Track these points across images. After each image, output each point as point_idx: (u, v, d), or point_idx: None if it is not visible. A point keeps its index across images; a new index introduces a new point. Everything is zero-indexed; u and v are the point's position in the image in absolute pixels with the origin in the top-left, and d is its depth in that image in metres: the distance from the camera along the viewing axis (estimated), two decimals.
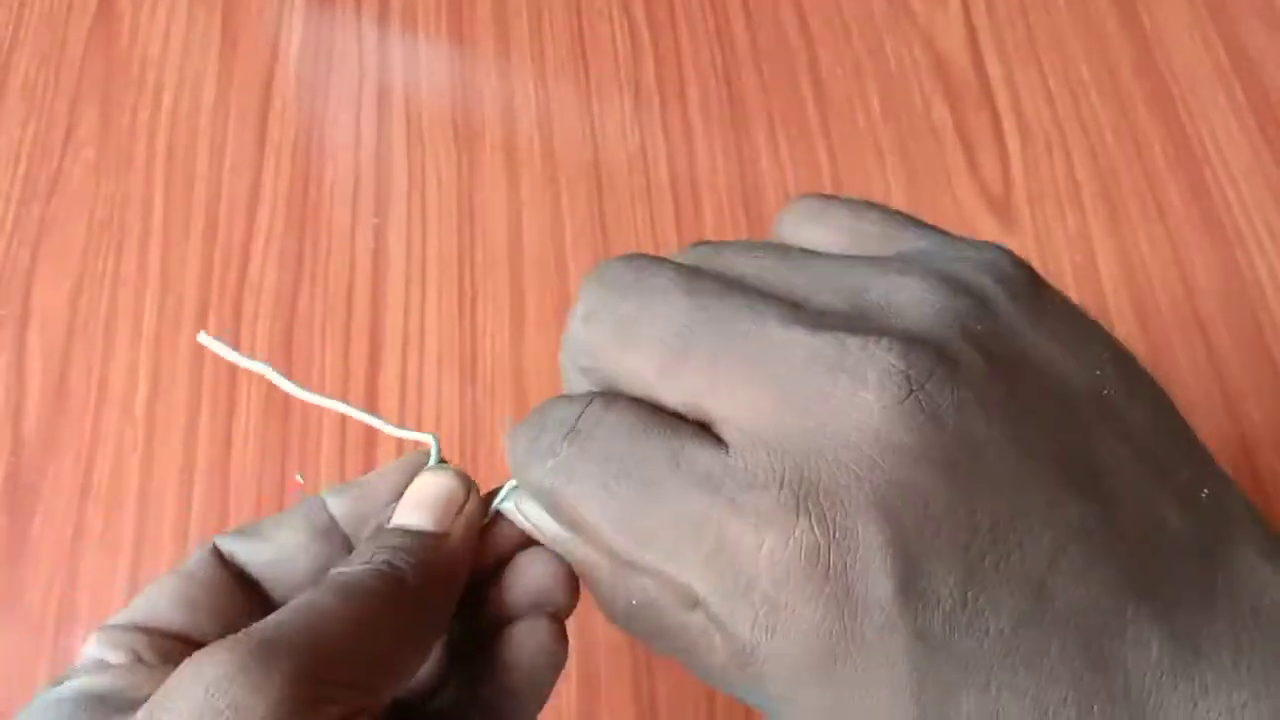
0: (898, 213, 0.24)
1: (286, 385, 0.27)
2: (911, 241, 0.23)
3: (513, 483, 0.25)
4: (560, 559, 0.24)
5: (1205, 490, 0.21)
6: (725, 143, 0.56)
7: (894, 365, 0.19)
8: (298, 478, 0.48)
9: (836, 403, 0.19)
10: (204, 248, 0.54)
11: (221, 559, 0.25)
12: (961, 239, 0.23)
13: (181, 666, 0.20)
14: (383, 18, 0.61)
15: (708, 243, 0.24)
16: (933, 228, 0.24)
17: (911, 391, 0.19)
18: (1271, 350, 0.50)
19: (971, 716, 0.19)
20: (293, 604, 0.21)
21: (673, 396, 0.21)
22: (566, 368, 0.23)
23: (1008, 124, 0.56)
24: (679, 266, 0.22)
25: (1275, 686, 0.19)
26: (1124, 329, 0.51)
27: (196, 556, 0.25)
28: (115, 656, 0.23)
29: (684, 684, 0.44)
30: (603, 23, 0.61)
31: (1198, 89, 0.56)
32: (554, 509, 0.22)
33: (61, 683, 0.23)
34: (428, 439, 0.26)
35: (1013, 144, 0.56)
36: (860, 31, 0.60)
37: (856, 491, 0.19)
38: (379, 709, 0.21)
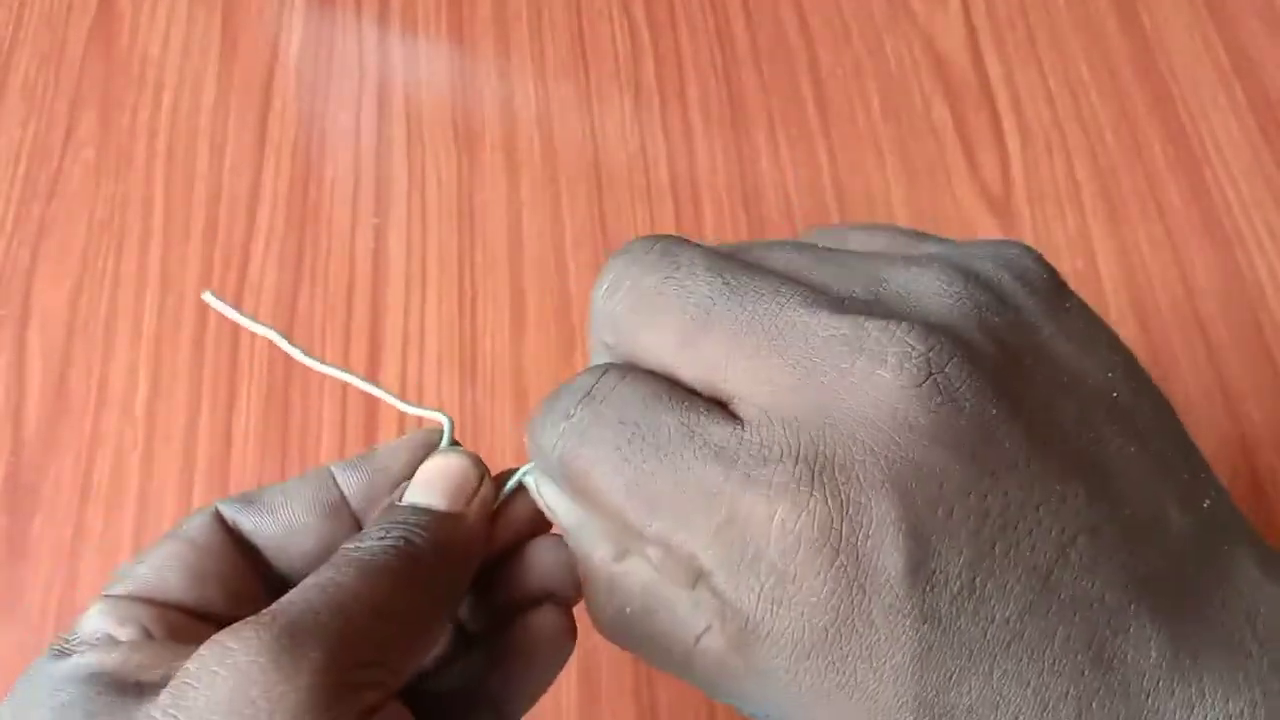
0: (914, 229, 0.24)
1: (295, 352, 0.27)
2: (932, 245, 0.23)
3: (523, 469, 0.25)
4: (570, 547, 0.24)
5: (1207, 500, 0.21)
6: (725, 143, 0.56)
7: (914, 347, 0.19)
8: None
9: (854, 381, 0.19)
10: (204, 248, 0.54)
11: (225, 526, 0.24)
12: (984, 240, 0.23)
13: (205, 650, 0.19)
14: (383, 18, 0.61)
15: (730, 245, 0.24)
16: (949, 240, 0.24)
17: (930, 374, 0.19)
18: (1271, 350, 0.50)
19: (973, 704, 0.19)
20: (312, 583, 0.21)
21: (690, 370, 0.21)
22: (593, 343, 0.23)
23: (1008, 124, 0.56)
24: (705, 247, 0.22)
25: (1271, 698, 0.19)
26: (1124, 329, 0.50)
27: (198, 522, 0.24)
28: (123, 632, 0.22)
29: (684, 685, 0.44)
30: (603, 23, 0.61)
31: (1198, 89, 0.56)
32: (565, 476, 0.22)
33: (65, 656, 0.22)
34: (442, 419, 0.26)
35: (1013, 144, 0.56)
36: (860, 31, 0.60)
37: (871, 467, 0.19)
38: (398, 687, 0.21)
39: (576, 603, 0.25)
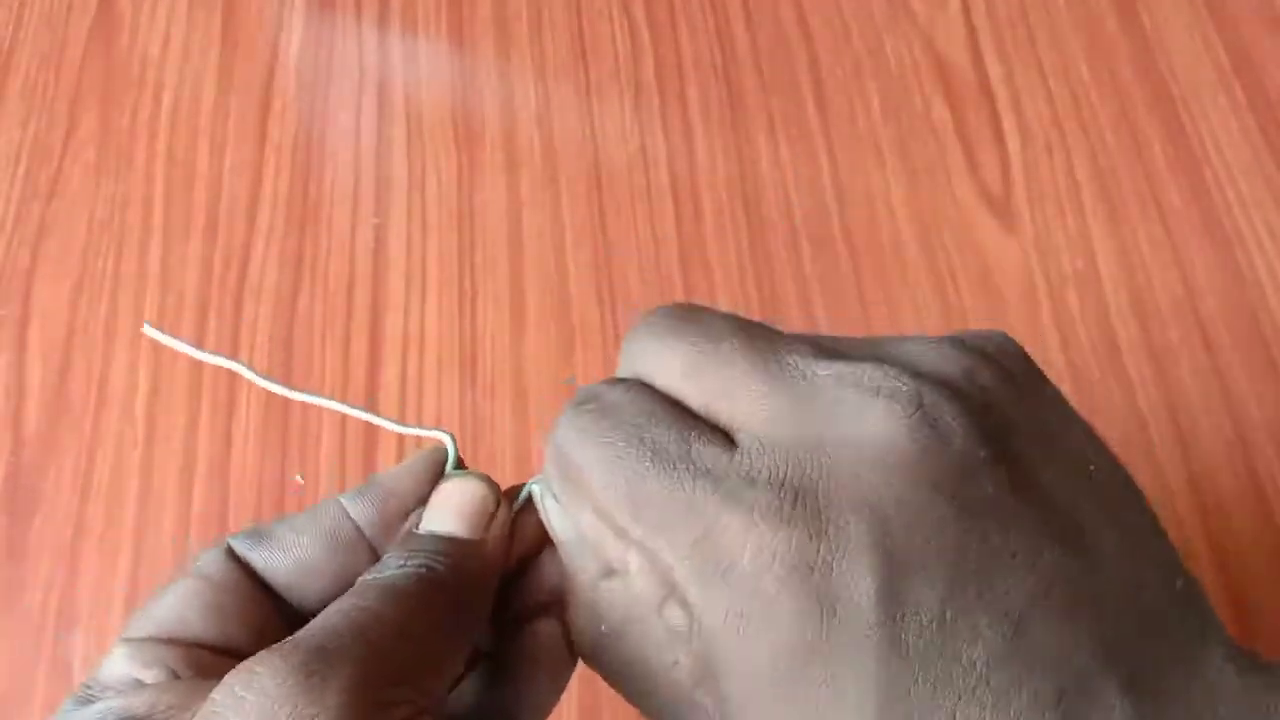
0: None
1: (262, 380, 0.27)
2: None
3: (530, 484, 0.25)
4: None
5: (1179, 581, 0.21)
6: (725, 143, 0.56)
7: (905, 386, 0.20)
8: (297, 478, 0.48)
9: (847, 411, 0.20)
10: (204, 248, 0.54)
11: (237, 561, 0.24)
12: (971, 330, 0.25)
13: (231, 678, 0.19)
14: (383, 18, 0.61)
15: None
16: None
17: (921, 407, 0.20)
18: (1271, 350, 0.50)
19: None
20: (336, 609, 0.21)
21: (697, 397, 0.22)
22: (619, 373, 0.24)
23: (1008, 124, 0.56)
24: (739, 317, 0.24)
25: None
26: (1124, 329, 0.51)
27: (212, 559, 0.24)
28: (148, 674, 0.22)
29: None
30: (603, 23, 0.61)
31: (1198, 89, 0.56)
32: (566, 469, 0.23)
33: (89, 702, 0.21)
34: (443, 437, 0.26)
35: (1013, 144, 0.56)
36: (860, 32, 0.60)
37: (852, 490, 0.19)
38: (434, 708, 0.21)
39: None
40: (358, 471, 0.48)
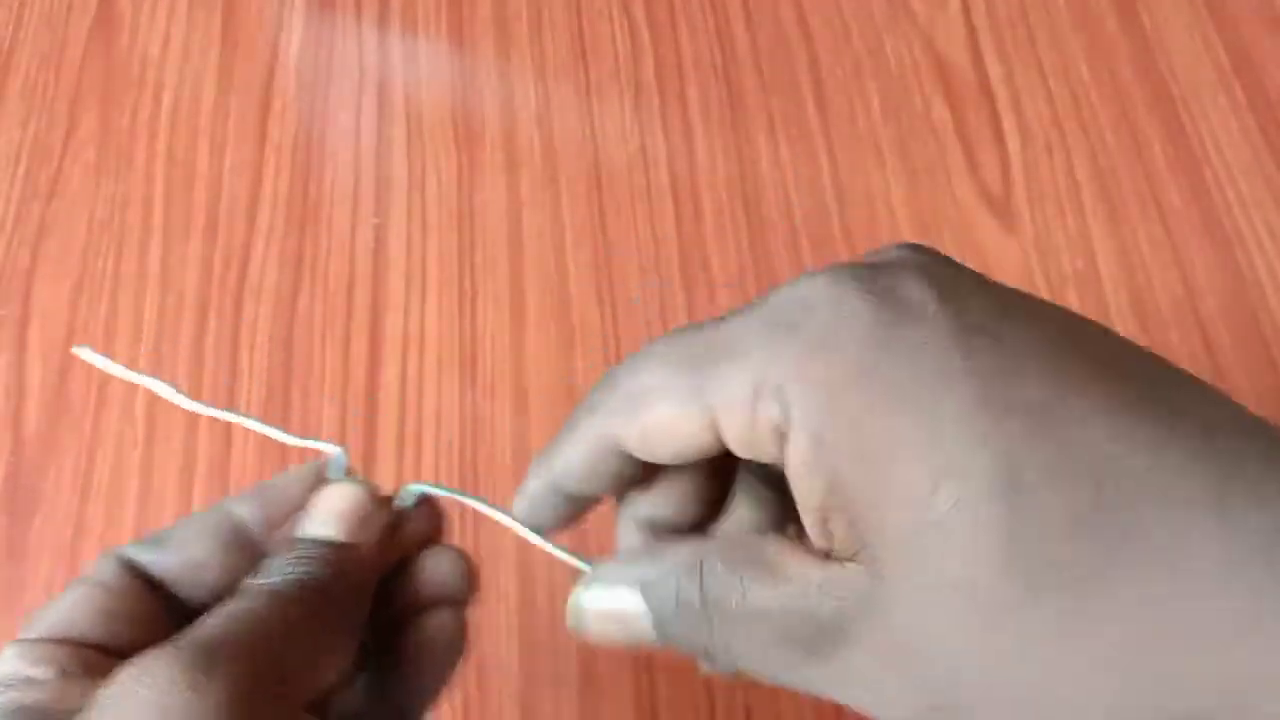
0: None
1: (180, 400, 0.28)
2: None
3: (412, 486, 0.27)
4: (460, 553, 0.27)
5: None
6: (725, 143, 0.56)
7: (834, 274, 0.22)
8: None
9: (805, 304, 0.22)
10: (204, 248, 0.54)
11: (130, 567, 0.26)
12: None
13: (121, 672, 0.20)
14: (383, 18, 0.61)
15: None
16: None
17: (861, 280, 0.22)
18: (1271, 350, 0.50)
19: (1039, 399, 0.19)
20: (222, 611, 0.22)
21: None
22: None
23: (1008, 124, 0.56)
24: None
25: None
26: (1124, 329, 0.51)
27: (105, 566, 0.25)
28: (40, 672, 0.23)
29: (684, 685, 0.44)
30: (603, 23, 0.61)
31: (1198, 89, 0.56)
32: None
33: None
34: (334, 450, 0.27)
35: (1013, 144, 0.56)
36: (860, 32, 0.60)
37: (898, 260, 0.22)
38: (304, 703, 0.23)
39: (469, 604, 0.27)
40: (357, 473, 0.48)
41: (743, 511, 0.26)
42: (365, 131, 0.58)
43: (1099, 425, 0.19)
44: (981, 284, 0.22)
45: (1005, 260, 0.52)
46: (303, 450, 0.28)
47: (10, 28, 0.61)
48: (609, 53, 0.60)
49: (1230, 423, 0.20)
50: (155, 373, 0.51)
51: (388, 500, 0.27)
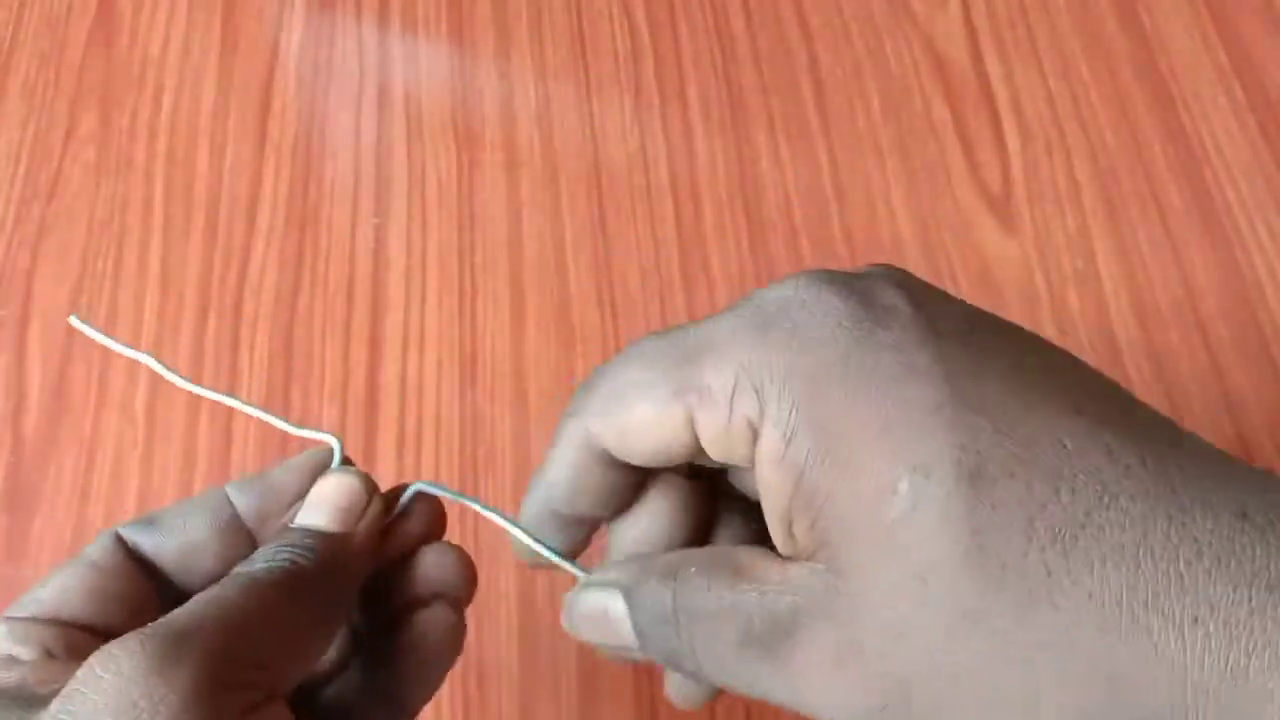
0: None
1: (171, 375, 0.28)
2: None
3: (415, 485, 0.27)
4: (460, 551, 0.27)
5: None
6: (725, 143, 0.57)
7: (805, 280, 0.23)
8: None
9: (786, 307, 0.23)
10: (204, 248, 0.54)
11: (126, 548, 0.26)
12: None
13: (92, 658, 0.20)
14: (383, 18, 0.61)
15: None
16: None
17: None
18: (1271, 350, 0.50)
19: (997, 399, 0.20)
20: (199, 598, 0.22)
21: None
22: None
23: (1008, 124, 0.56)
24: None
25: None
26: (1124, 329, 0.51)
27: (100, 545, 0.26)
28: (25, 652, 0.23)
29: None
30: (603, 23, 0.61)
31: (1198, 89, 0.56)
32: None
33: None
34: (331, 440, 0.27)
35: (1013, 144, 0.56)
36: (860, 32, 0.60)
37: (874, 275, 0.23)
38: (286, 690, 0.23)
39: (467, 603, 0.27)
40: None
41: (725, 536, 0.26)
42: (365, 131, 0.58)
43: (1059, 426, 0.20)
44: (950, 299, 0.22)
45: (1005, 260, 0.52)
46: (304, 442, 0.28)
47: (10, 27, 0.61)
48: (609, 53, 0.60)
49: (1184, 441, 0.21)
50: (155, 374, 0.51)
51: (391, 492, 0.27)
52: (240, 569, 0.24)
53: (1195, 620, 0.18)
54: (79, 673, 0.20)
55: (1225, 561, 0.19)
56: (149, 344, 0.52)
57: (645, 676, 0.44)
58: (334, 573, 0.25)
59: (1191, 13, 0.58)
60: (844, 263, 0.53)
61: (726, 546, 0.25)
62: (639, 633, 0.23)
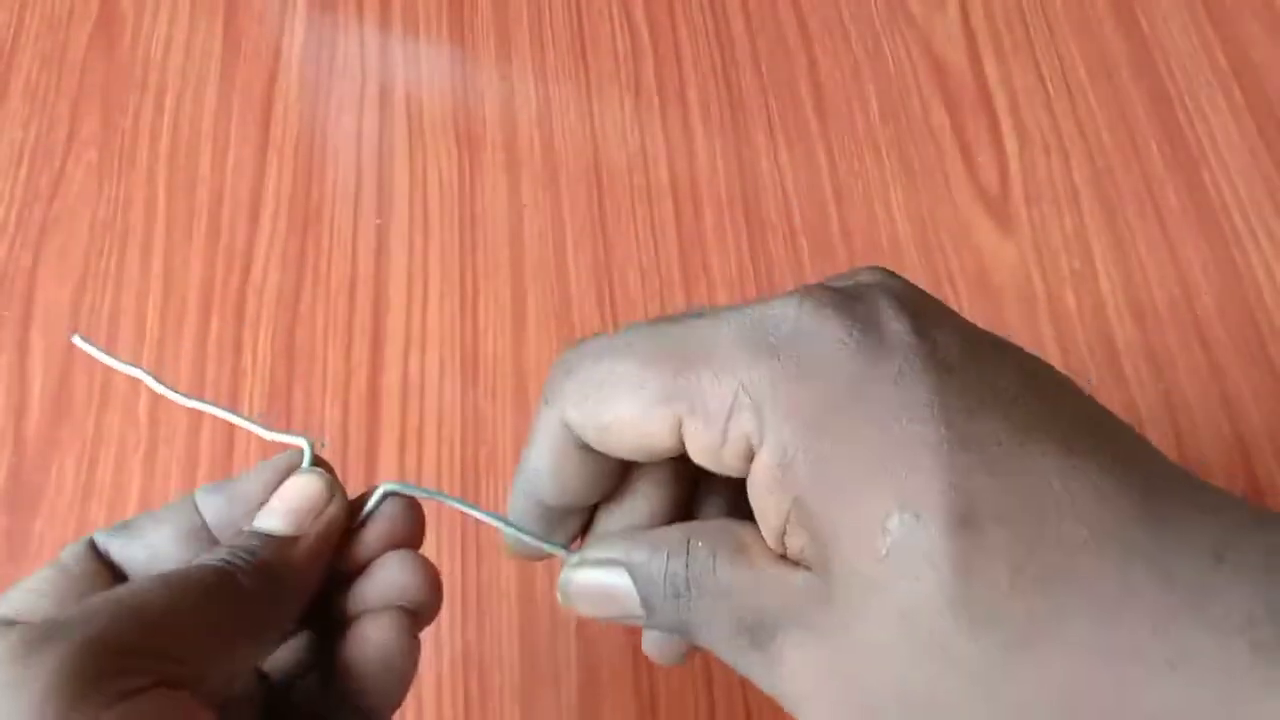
0: None
1: (162, 389, 0.28)
2: None
3: (383, 486, 0.26)
4: (422, 560, 0.26)
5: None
6: (725, 143, 0.57)
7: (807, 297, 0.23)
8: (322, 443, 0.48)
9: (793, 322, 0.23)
10: (206, 249, 0.54)
11: (97, 554, 0.26)
12: None
13: None
14: (384, 20, 0.62)
15: None
16: None
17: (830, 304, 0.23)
18: (1269, 351, 0.50)
19: (991, 437, 0.20)
20: (103, 594, 0.23)
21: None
22: None
23: (1005, 126, 0.57)
24: None
25: None
26: (1122, 330, 0.51)
27: (72, 551, 0.26)
28: None
29: (684, 682, 0.44)
30: (603, 23, 0.61)
31: (1195, 90, 0.57)
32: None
33: None
34: (300, 442, 0.27)
35: (1010, 145, 0.56)
36: (859, 34, 0.60)
37: (874, 292, 0.23)
38: (199, 682, 0.22)
39: (434, 613, 0.27)
40: (358, 473, 0.49)
41: (710, 512, 0.27)
42: (367, 133, 0.58)
43: (1050, 466, 0.20)
44: (949, 315, 0.23)
45: (1003, 261, 0.53)
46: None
47: (12, 29, 0.61)
48: (609, 53, 0.60)
49: (1169, 477, 0.21)
50: (158, 373, 0.51)
51: (355, 500, 0.27)
52: (173, 569, 0.24)
53: (1172, 667, 0.19)
54: None
55: (1200, 605, 0.19)
56: (151, 344, 0.52)
57: (646, 674, 0.44)
58: (272, 574, 0.24)
59: (1189, 13, 0.59)
60: (842, 264, 0.53)
61: (728, 521, 0.25)
62: (646, 605, 0.23)
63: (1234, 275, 0.52)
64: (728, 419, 0.21)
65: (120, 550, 0.26)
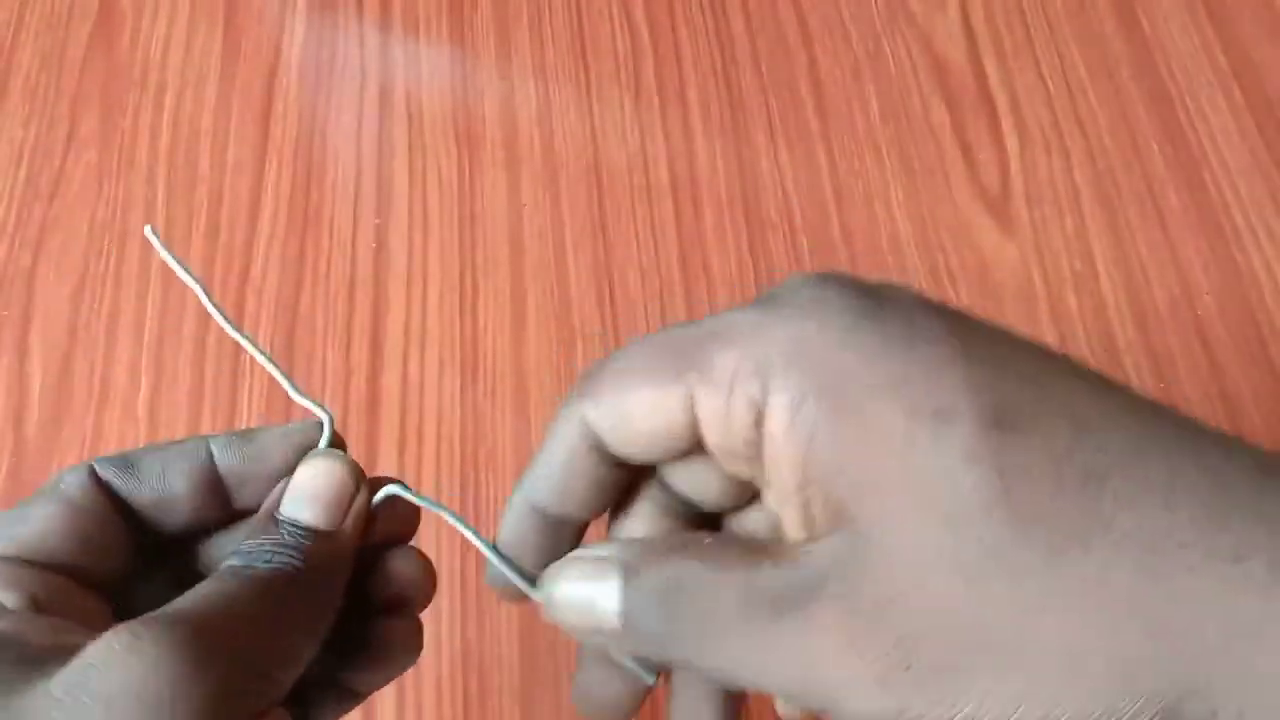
0: None
1: (211, 309, 0.26)
2: None
3: (390, 486, 0.26)
4: (426, 559, 0.26)
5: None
6: (725, 143, 0.57)
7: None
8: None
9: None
10: (206, 248, 0.54)
11: (101, 485, 0.25)
12: None
13: (113, 637, 0.19)
14: (384, 20, 0.62)
15: None
16: None
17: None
18: (1270, 351, 0.50)
19: (1011, 358, 0.20)
20: (207, 594, 0.22)
21: None
22: None
23: (1006, 126, 0.57)
24: None
25: None
26: (1122, 329, 0.51)
27: (75, 482, 0.24)
28: (10, 598, 0.22)
29: None
30: (603, 23, 0.61)
31: (1196, 90, 0.57)
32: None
33: None
34: (323, 415, 0.26)
35: (1011, 146, 0.56)
36: (859, 33, 0.60)
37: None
38: (281, 697, 0.22)
39: (423, 608, 0.27)
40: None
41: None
42: (366, 132, 0.58)
43: (1080, 387, 0.20)
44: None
45: (1003, 261, 0.53)
46: (307, 414, 0.27)
47: (11, 29, 0.61)
48: (609, 53, 0.60)
49: (1202, 422, 0.20)
50: (157, 374, 0.51)
51: (372, 484, 0.26)
52: (237, 565, 0.23)
53: (1237, 558, 0.18)
54: (94, 647, 0.19)
55: (1254, 504, 0.18)
56: (151, 344, 0.52)
57: None
58: (324, 574, 0.24)
59: (1190, 14, 0.59)
60: (843, 263, 0.53)
61: (731, 532, 0.24)
62: (626, 613, 0.22)
63: (1235, 275, 0.52)
64: (732, 381, 0.21)
65: (127, 487, 0.25)
